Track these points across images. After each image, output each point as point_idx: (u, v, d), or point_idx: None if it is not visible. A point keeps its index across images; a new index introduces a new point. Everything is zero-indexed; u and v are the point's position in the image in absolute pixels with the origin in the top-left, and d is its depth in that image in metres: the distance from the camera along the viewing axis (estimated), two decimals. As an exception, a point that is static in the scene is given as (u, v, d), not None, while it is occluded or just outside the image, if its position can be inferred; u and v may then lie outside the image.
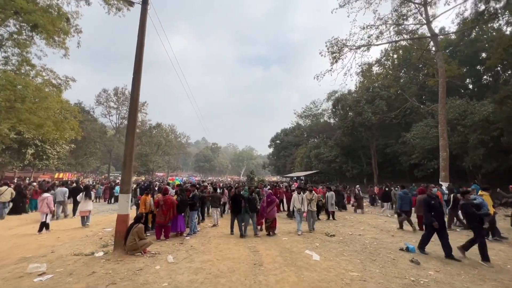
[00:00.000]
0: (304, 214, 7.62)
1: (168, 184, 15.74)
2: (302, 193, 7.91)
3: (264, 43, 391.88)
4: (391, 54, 28.29)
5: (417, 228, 7.89)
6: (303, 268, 4.49)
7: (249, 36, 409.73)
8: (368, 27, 15.94)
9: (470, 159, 19.63)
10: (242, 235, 7.12)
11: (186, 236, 6.99)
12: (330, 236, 6.91)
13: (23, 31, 18.43)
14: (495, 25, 23.86)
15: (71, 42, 19.81)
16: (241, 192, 7.89)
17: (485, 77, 29.30)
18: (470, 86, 30.12)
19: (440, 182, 13.31)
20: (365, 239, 6.63)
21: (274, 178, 59.49)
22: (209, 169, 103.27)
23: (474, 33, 26.60)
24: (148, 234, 7.15)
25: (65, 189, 10.78)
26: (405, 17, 16.21)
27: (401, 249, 5.55)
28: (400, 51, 25.44)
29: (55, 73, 18.80)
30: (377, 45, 16.03)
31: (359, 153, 33.16)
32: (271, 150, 61.81)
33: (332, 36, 15.89)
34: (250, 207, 7.38)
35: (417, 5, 15.68)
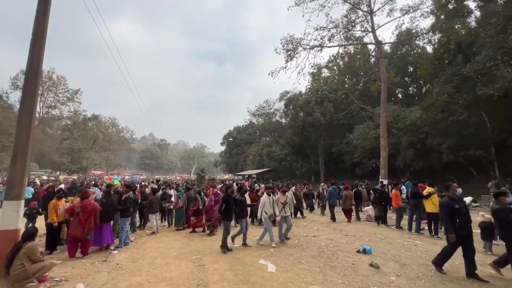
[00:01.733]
0: (278, 218, 6.24)
1: (107, 184, 13.48)
2: (272, 195, 6.64)
3: (218, 39, 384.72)
4: (338, 61, 30.19)
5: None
6: (257, 284, 3.77)
7: (203, 30, 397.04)
8: (321, 28, 16.29)
9: (401, 158, 22.03)
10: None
11: (114, 250, 5.59)
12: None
13: None
14: (421, 43, 27.65)
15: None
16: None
17: (410, 88, 33.77)
18: (399, 96, 34.12)
19: (381, 179, 14.28)
20: (320, 241, 6.29)
21: (226, 176, 58.48)
22: (156, 167, 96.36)
23: (404, 49, 30.33)
24: (57, 252, 5.53)
25: None
26: (353, 24, 17.06)
27: (358, 251, 5.31)
28: (346, 58, 27.25)
29: None
30: (329, 47, 16.54)
31: (308, 151, 34.60)
32: (223, 147, 60.62)
33: (288, 33, 15.70)
34: (242, 211, 6.19)
35: (364, 13, 16.63)
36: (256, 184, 13.81)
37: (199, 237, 7.20)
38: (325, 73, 28.55)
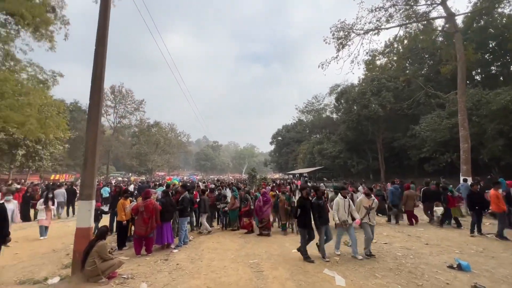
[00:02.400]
0: (357, 222, 5.10)
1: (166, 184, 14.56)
2: (348, 197, 5.42)
3: (262, 40, 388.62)
4: (395, 45, 26.80)
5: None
6: (326, 300, 3.24)
7: (247, 33, 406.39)
8: (377, 9, 14.52)
9: (487, 151, 18.30)
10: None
11: (174, 249, 5.73)
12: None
13: (7, 24, 17.18)
14: (506, 11, 22.46)
15: (59, 35, 18.57)
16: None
17: (493, 67, 27.85)
18: (477, 77, 28.51)
19: (462, 177, 11.96)
20: (395, 250, 5.34)
21: (276, 176, 58.26)
22: (211, 168, 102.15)
23: (482, 21, 25.08)
24: (126, 248, 5.90)
25: (63, 191, 11.96)
26: (416, -3, 14.78)
27: (451, 267, 4.26)
28: (405, 41, 24.00)
29: (42, 68, 17.53)
30: (387, 28, 14.64)
31: (364, 147, 31.80)
32: (272, 147, 60.54)
33: (338, 19, 14.47)
34: (322, 218, 5.20)
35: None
36: (322, 184, 13.15)
37: (254, 238, 6.96)
38: (381, 59, 25.82)
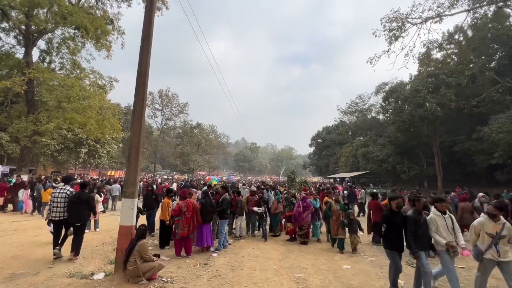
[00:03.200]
0: (466, 253, 3.63)
1: (207, 184, 14.83)
2: (448, 213, 3.90)
3: (301, 41, 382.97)
4: (456, 36, 23.40)
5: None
6: None
7: (286, 35, 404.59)
8: (439, -7, 12.75)
9: None
10: None
11: (214, 252, 5.50)
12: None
13: (75, 37, 19.48)
14: None
15: (116, 45, 20.46)
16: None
17: None
18: None
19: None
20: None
21: (315, 179, 56.19)
22: (249, 169, 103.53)
23: None
24: (168, 247, 5.86)
25: (118, 186, 12.71)
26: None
27: None
28: (469, 31, 20.87)
29: (101, 75, 19.46)
30: (452, 15, 12.76)
31: (417, 151, 28.61)
32: (312, 149, 58.61)
33: (392, 8, 13.08)
34: (422, 240, 3.78)
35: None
36: (362, 191, 12.08)
37: (298, 247, 6.40)
38: (437, 53, 22.86)
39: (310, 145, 57.00)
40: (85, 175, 28.99)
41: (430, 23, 13.15)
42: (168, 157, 53.37)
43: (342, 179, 35.31)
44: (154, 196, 7.52)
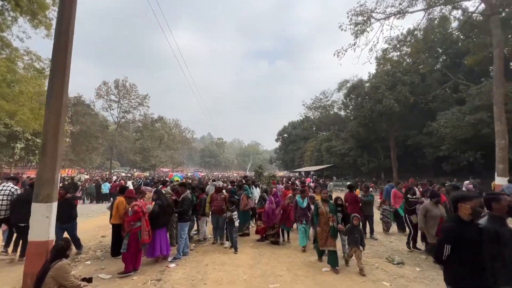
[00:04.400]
0: None
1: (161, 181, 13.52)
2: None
3: (269, 37, 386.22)
4: (415, 33, 25.09)
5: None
6: None
7: (254, 30, 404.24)
8: (400, -10, 13.13)
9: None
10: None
11: (171, 263, 4.63)
12: (397, 264, 4.47)
13: (3, 10, 16.24)
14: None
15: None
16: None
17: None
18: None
19: (496, 177, 10.65)
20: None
21: (281, 173, 57.10)
22: (215, 165, 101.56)
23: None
24: (119, 258, 4.78)
25: None
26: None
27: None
28: (419, 34, 22.38)
29: (39, 57, 16.61)
30: (411, 12, 13.25)
31: (376, 145, 30.42)
32: (278, 144, 59.31)
33: (358, 1, 13.15)
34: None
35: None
36: (330, 184, 11.95)
37: (269, 249, 5.81)
38: (393, 54, 24.26)
39: (277, 140, 57.60)
40: (22, 174, 25.06)
41: (393, 19, 13.49)
42: (126, 153, 49.29)
43: (308, 173, 36.16)
44: (68, 204, 5.35)
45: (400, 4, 13.38)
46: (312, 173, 34.25)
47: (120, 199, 4.96)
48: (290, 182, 11.43)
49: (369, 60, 15.04)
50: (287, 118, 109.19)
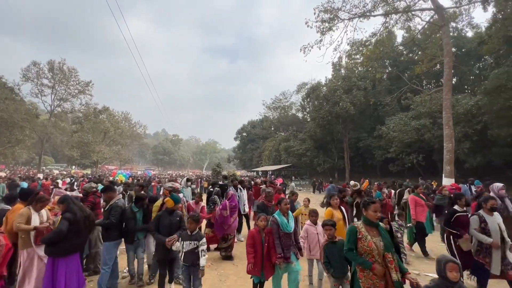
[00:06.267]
0: None
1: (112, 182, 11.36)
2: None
3: (230, 35, 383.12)
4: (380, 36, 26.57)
5: None
6: None
7: (215, 26, 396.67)
8: (364, -7, 13.31)
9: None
10: None
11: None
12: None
13: None
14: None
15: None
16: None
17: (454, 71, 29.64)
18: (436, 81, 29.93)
19: (444, 178, 11.38)
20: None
21: (239, 173, 56.29)
22: (169, 163, 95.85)
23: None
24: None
25: None
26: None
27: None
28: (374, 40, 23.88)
29: None
30: (374, 15, 13.56)
31: (331, 146, 31.71)
32: (236, 143, 58.42)
33: (325, -2, 12.88)
34: None
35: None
36: (293, 184, 11.19)
37: (230, 267, 4.71)
38: (345, 61, 25.35)
39: (235, 139, 56.64)
40: None
41: (357, 21, 13.62)
42: (61, 147, 42.70)
43: (266, 172, 35.97)
44: None
45: (364, 6, 13.53)
46: (269, 172, 34.15)
47: (17, 206, 3.32)
48: (266, 182, 9.96)
49: (333, 59, 15.04)
50: (246, 118, 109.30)
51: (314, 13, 13.70)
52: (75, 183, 12.83)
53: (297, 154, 32.41)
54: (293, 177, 30.81)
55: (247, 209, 7.11)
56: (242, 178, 10.65)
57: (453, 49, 18.05)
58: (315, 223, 3.85)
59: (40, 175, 19.42)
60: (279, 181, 12.25)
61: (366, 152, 28.52)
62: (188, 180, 8.65)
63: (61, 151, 50.25)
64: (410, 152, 21.30)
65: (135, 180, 15.01)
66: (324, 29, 13.56)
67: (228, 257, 5.31)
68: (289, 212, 3.48)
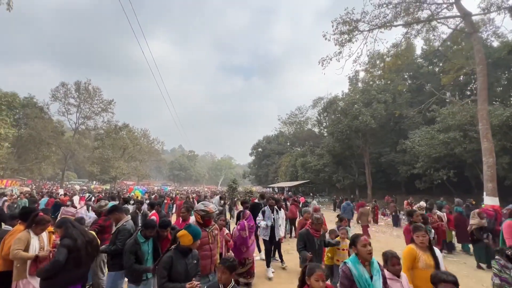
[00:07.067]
0: None
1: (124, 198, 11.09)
2: None
3: (244, 53, 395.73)
4: (377, 62, 25.80)
5: None
6: None
7: (230, 45, 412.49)
8: (384, 5, 12.93)
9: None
10: None
11: None
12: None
13: None
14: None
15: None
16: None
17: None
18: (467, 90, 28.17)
19: (485, 196, 10.15)
20: None
21: (254, 189, 55.34)
22: (185, 178, 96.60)
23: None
24: None
25: None
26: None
27: None
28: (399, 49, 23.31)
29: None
30: (395, 25, 13.06)
31: (350, 162, 30.40)
32: (252, 158, 57.96)
33: (346, 8, 12.61)
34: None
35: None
36: (314, 202, 10.37)
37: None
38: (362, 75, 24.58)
39: (251, 154, 56.26)
40: None
41: (377, 32, 13.18)
42: (83, 162, 44.21)
43: (282, 188, 34.95)
44: None
45: (384, 17, 13.13)
46: (287, 188, 33.12)
47: (17, 228, 2.98)
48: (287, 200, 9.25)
49: (352, 72, 14.52)
50: (261, 134, 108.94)
51: (332, 26, 13.45)
52: (92, 199, 12.75)
53: (314, 170, 31.35)
54: (311, 193, 29.56)
55: (282, 234, 5.91)
56: (281, 197, 9.61)
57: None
58: (397, 274, 2.36)
59: (61, 191, 19.75)
60: (301, 199, 11.47)
61: (389, 167, 26.97)
62: (221, 198, 7.76)
63: (83, 167, 52.04)
64: (439, 168, 19.78)
65: (151, 196, 14.76)
66: (343, 41, 13.21)
67: (248, 284, 4.68)
68: (373, 260, 2.21)
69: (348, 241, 3.79)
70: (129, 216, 3.18)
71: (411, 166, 22.26)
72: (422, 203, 6.75)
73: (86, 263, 2.58)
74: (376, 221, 13.13)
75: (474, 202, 11.61)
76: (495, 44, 22.83)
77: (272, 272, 5.40)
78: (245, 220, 4.99)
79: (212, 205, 3.07)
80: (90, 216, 4.18)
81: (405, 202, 14.38)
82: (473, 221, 5.78)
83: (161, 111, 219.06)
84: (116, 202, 4.62)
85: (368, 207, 14.23)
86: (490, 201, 9.77)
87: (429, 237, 2.72)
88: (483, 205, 10.23)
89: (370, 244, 2.20)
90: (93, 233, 2.85)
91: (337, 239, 4.06)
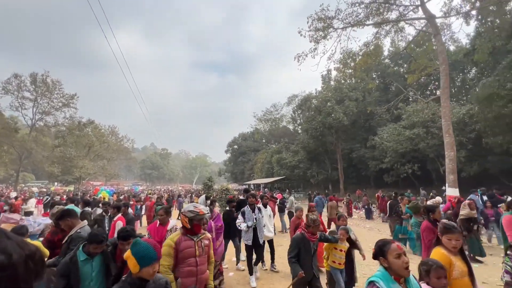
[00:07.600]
0: None
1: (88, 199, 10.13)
2: None
3: (218, 51, 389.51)
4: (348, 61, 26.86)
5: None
6: None
7: (203, 42, 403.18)
8: (357, 4, 13.26)
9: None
10: None
11: None
12: None
13: None
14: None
15: None
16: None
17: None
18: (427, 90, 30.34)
19: (447, 188, 10.90)
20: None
21: (230, 186, 54.89)
22: (158, 177, 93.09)
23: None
24: None
25: None
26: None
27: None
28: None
29: None
30: (367, 24, 13.48)
31: (324, 158, 31.28)
32: (227, 156, 57.35)
33: (321, 4, 12.69)
34: None
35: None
36: (292, 198, 10.21)
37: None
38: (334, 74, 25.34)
39: (226, 151, 55.66)
40: None
41: (350, 30, 13.48)
42: (41, 162, 40.42)
43: (258, 185, 35.00)
44: None
45: (356, 16, 13.45)
46: (262, 185, 33.23)
47: None
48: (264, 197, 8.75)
49: (326, 68, 14.72)
50: (236, 131, 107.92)
51: (307, 22, 13.51)
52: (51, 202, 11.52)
53: (290, 166, 31.79)
54: (287, 190, 29.94)
55: (271, 235, 5.45)
56: (266, 194, 8.58)
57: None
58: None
59: (14, 193, 17.76)
60: (278, 196, 11.41)
61: (360, 162, 28.21)
62: (207, 198, 6.91)
63: (42, 167, 47.59)
64: (405, 162, 21.04)
65: (120, 197, 13.77)
66: (318, 37, 13.33)
67: (220, 283, 4.39)
68: (411, 276, 1.68)
69: (347, 243, 3.59)
70: (85, 221, 2.71)
71: (379, 161, 23.42)
72: (439, 198, 6.63)
73: (26, 281, 2.12)
74: (350, 214, 13.55)
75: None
76: (451, 48, 24.88)
77: (256, 280, 5.00)
78: (212, 220, 4.70)
79: (203, 207, 2.62)
80: (39, 223, 3.56)
81: (376, 195, 15.03)
82: (463, 211, 5.93)
83: (132, 108, 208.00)
84: (72, 206, 4.01)
85: (343, 201, 14.73)
86: (451, 192, 10.48)
87: (461, 239, 2.23)
88: (444, 196, 10.98)
89: (405, 254, 1.67)
90: (37, 243, 2.37)
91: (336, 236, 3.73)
